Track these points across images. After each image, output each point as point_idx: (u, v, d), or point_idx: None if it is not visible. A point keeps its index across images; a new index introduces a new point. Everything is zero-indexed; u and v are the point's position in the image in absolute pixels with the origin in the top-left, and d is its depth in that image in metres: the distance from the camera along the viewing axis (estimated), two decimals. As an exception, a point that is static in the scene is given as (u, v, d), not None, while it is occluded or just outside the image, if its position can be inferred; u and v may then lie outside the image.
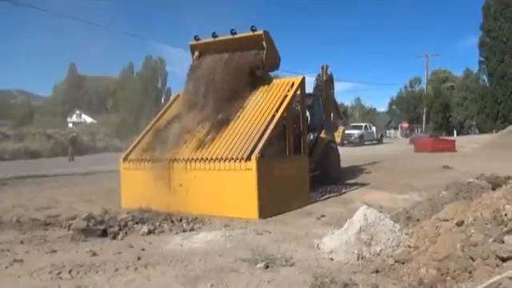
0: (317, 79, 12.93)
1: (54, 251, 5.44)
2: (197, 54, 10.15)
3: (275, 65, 9.71)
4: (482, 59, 45.34)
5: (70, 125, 57.76)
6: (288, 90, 8.80)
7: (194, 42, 10.10)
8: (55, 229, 6.83)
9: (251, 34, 9.18)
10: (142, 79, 64.29)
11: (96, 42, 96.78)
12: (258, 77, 9.21)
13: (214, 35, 9.65)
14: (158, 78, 67.55)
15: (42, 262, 4.95)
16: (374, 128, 40.94)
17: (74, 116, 69.06)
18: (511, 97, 41.30)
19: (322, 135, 11.81)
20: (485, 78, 46.74)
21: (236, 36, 9.39)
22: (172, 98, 11.25)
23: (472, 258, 3.67)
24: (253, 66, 9.19)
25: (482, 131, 45.69)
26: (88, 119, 65.17)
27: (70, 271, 4.60)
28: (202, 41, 9.97)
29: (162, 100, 60.52)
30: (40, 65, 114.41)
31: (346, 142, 33.25)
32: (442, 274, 3.77)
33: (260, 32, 9.09)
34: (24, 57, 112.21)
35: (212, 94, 9.10)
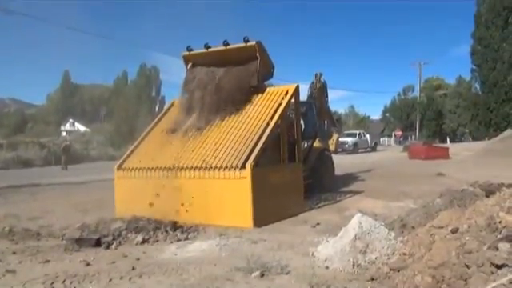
0: (310, 87, 12.99)
1: (47, 261, 5.40)
2: (190, 64, 10.16)
3: (269, 74, 9.76)
4: (474, 67, 45.68)
5: (64, 133, 57.53)
6: (282, 98, 8.83)
7: (187, 53, 10.10)
8: (48, 239, 6.77)
9: (244, 44, 9.20)
10: (136, 87, 64.25)
11: (90, 50, 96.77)
12: (252, 87, 9.23)
13: (207, 46, 9.66)
14: (152, 87, 67.55)
15: (35, 273, 4.91)
16: (368, 136, 41.06)
17: (68, 124, 68.80)
18: (503, 104, 41.53)
19: (316, 143, 11.84)
20: (477, 85, 47.08)
21: (229, 47, 9.41)
22: (166, 106, 11.24)
23: (467, 266, 3.67)
24: (246, 77, 9.22)
25: (475, 138, 45.96)
26: (81, 128, 64.92)
27: (63, 281, 4.57)
28: (195, 52, 9.97)
29: (156, 108, 60.50)
30: (33, 73, 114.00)
31: (340, 149, 33.34)
32: (438, 282, 3.77)
33: (252, 43, 9.11)
34: (17, 65, 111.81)
35: (206, 104, 9.12)
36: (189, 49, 10.02)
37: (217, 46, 9.59)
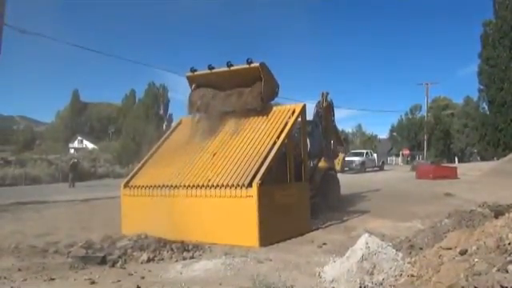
0: (317, 106, 12.99)
1: (53, 279, 5.38)
2: (194, 85, 10.22)
3: (274, 94, 9.73)
4: (481, 87, 45.68)
5: (72, 151, 57.89)
6: (289, 118, 8.85)
7: (191, 74, 10.16)
8: (54, 256, 6.77)
9: (247, 66, 9.21)
10: (143, 106, 64.78)
11: (99, 69, 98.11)
12: (256, 108, 9.26)
13: (210, 67, 9.71)
14: (159, 105, 68.07)
15: (39, 291, 4.89)
16: (375, 155, 40.87)
17: (76, 142, 69.31)
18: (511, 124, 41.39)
19: (322, 162, 11.80)
20: (485, 105, 46.99)
21: (232, 68, 9.42)
22: (173, 124, 11.31)
23: (476, 288, 3.61)
24: (250, 99, 9.25)
25: (483, 158, 45.63)
26: (89, 145, 65.40)
27: (67, 300, 4.54)
28: (199, 73, 10.02)
29: (164, 126, 60.82)
30: (43, 91, 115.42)
31: (347, 168, 33.16)
32: (446, 304, 3.70)
33: (256, 65, 9.10)
34: (27, 83, 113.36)
35: (211, 124, 9.17)
36: (192, 70, 10.07)
37: (220, 67, 9.63)
